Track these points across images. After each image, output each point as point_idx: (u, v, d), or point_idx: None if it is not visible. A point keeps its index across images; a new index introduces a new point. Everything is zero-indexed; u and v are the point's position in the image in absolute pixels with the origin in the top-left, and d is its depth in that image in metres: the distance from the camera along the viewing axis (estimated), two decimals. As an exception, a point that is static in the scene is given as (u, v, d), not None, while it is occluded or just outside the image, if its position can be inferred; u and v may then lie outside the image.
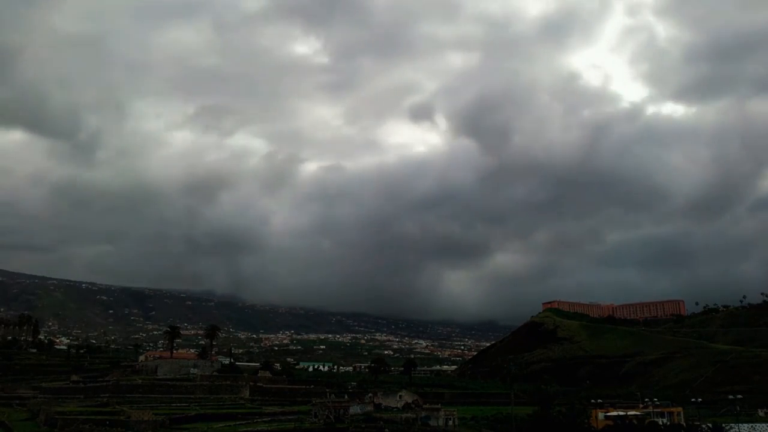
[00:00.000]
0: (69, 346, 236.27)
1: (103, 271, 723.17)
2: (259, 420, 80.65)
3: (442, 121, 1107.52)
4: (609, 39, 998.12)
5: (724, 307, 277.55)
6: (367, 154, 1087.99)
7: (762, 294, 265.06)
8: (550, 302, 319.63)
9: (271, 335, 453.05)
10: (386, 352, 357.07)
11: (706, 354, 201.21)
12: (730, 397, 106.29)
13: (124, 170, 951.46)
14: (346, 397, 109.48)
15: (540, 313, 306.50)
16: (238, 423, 77.48)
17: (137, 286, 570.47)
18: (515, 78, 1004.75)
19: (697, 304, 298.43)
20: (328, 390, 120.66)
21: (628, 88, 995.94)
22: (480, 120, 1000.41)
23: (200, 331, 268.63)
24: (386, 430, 75.10)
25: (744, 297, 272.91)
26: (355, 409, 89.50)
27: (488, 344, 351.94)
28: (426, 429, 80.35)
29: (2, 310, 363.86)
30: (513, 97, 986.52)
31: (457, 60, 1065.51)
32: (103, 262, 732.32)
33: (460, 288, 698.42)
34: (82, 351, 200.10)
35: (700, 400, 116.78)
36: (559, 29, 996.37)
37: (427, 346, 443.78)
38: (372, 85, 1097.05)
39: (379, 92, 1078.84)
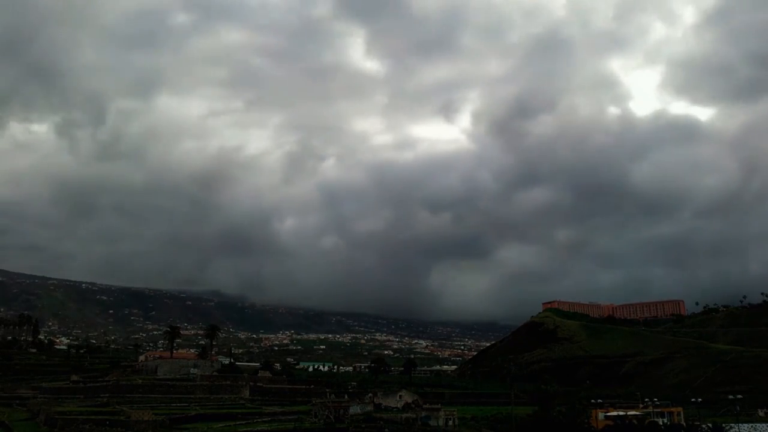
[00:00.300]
0: (69, 346, 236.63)
1: (103, 271, 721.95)
2: (259, 420, 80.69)
3: (464, 122, 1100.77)
4: (645, 47, 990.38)
5: (724, 307, 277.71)
6: (389, 152, 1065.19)
7: (762, 294, 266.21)
8: (550, 302, 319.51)
9: (271, 335, 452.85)
10: (386, 352, 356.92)
11: (706, 354, 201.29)
12: (730, 397, 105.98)
13: (129, 169, 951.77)
14: (346, 397, 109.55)
15: (540, 313, 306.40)
16: (238, 423, 77.52)
17: (137, 286, 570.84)
18: (547, 82, 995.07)
19: (697, 304, 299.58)
20: (328, 390, 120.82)
21: (656, 94, 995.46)
22: (504, 122, 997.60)
23: (200, 331, 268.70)
24: (386, 430, 75.12)
25: (744, 297, 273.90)
26: (355, 409, 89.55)
27: (488, 344, 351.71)
28: (426, 429, 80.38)
29: (2, 310, 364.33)
30: (542, 101, 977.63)
31: (491, 64, 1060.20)
32: (103, 262, 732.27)
33: (462, 288, 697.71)
34: (82, 351, 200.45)
35: (700, 400, 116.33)
36: (599, 37, 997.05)
37: (427, 346, 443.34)
38: (405, 84, 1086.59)
39: (411, 92, 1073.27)
